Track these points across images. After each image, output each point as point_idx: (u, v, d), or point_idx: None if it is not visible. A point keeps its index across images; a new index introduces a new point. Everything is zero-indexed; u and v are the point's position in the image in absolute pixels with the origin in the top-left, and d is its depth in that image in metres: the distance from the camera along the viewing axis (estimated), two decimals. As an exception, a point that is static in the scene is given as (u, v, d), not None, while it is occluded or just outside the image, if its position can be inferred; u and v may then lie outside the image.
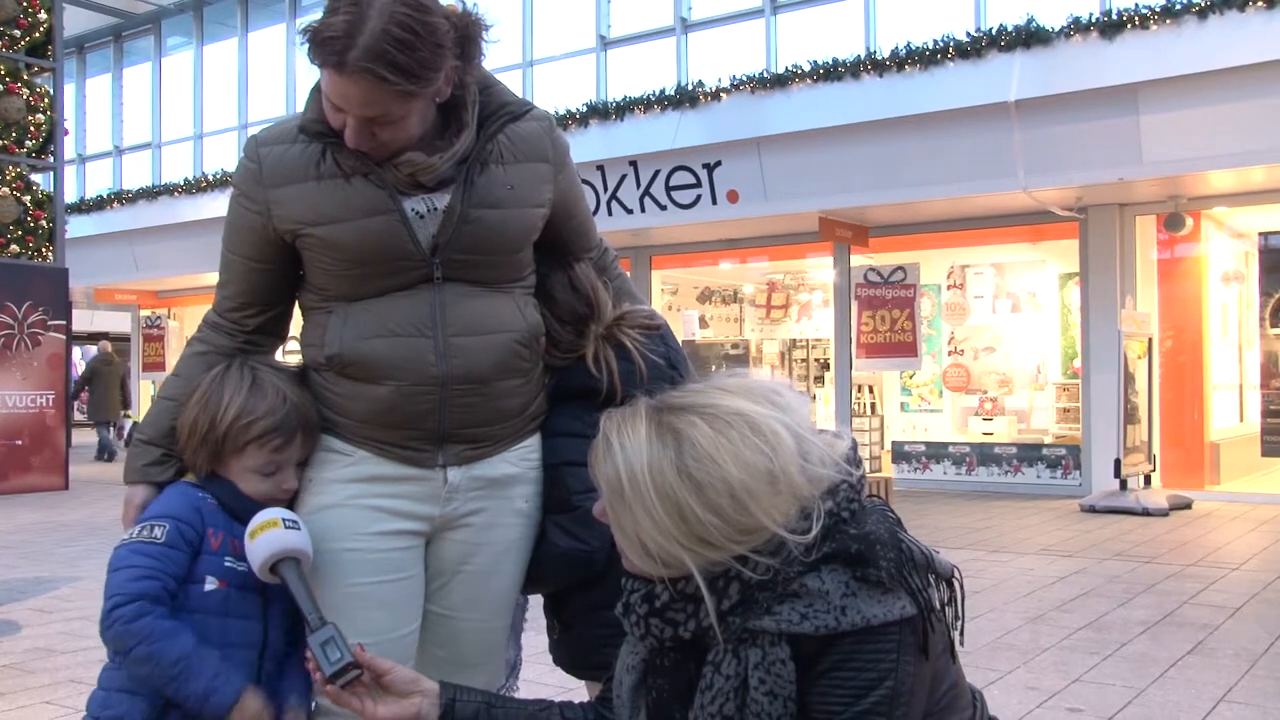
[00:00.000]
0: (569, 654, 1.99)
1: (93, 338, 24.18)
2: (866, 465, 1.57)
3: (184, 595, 1.71)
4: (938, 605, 1.35)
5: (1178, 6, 8.47)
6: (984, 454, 10.79)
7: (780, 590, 1.30)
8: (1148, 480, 9.41)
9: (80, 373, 15.86)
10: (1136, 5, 8.66)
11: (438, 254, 1.76)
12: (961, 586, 1.41)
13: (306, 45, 1.61)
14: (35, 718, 3.57)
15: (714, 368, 13.21)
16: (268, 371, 1.82)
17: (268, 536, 1.68)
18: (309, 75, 1.70)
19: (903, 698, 1.27)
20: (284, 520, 1.70)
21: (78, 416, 17.62)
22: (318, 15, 1.63)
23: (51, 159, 11.88)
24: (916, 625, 1.30)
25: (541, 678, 2.46)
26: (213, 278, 1.91)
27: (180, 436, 1.81)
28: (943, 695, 1.36)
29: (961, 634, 1.42)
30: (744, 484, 1.29)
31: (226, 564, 1.75)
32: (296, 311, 1.94)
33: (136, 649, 1.64)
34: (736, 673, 1.30)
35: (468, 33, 1.67)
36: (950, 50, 9.41)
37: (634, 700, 1.44)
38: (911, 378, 12.25)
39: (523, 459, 1.91)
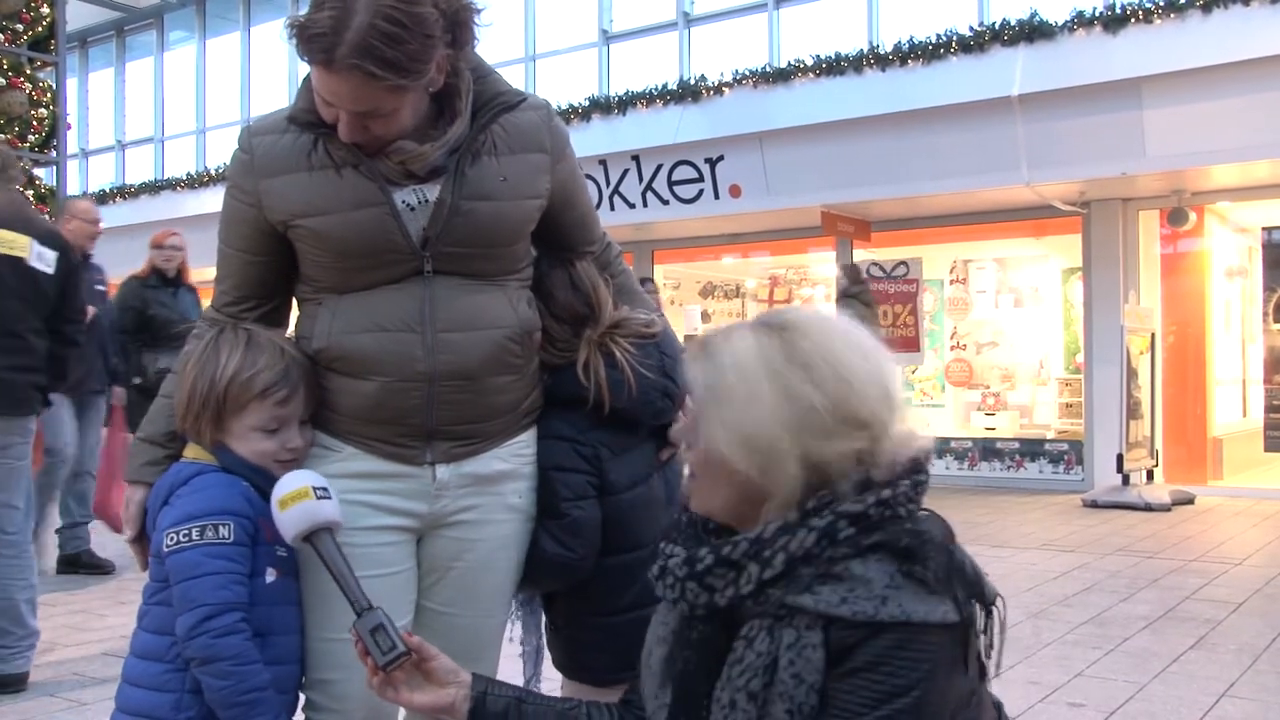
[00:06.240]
0: (557, 653, 2.03)
1: (95, 332, 24.19)
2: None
3: (250, 589, 1.68)
4: (977, 624, 1.32)
5: (1181, 0, 8.44)
6: (986, 449, 10.77)
7: (824, 570, 1.27)
8: (1150, 475, 9.39)
9: None
10: (1140, -1, 8.65)
11: (427, 247, 1.73)
12: (1003, 616, 1.36)
13: (294, 41, 1.58)
14: (38, 712, 3.58)
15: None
16: (262, 330, 1.79)
17: (302, 508, 1.60)
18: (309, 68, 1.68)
19: (928, 709, 1.23)
20: (314, 489, 1.61)
21: None
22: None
23: (54, 153, 11.84)
24: (956, 635, 1.26)
25: (548, 671, 2.48)
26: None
27: (179, 408, 1.76)
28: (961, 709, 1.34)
29: (998, 665, 1.38)
30: (849, 365, 1.32)
31: (279, 553, 1.72)
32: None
33: (220, 665, 1.61)
34: (768, 650, 1.28)
35: (458, 18, 1.64)
36: (953, 44, 9.37)
37: (665, 671, 1.42)
38: (914, 372, 12.21)
39: (515, 455, 1.88)
